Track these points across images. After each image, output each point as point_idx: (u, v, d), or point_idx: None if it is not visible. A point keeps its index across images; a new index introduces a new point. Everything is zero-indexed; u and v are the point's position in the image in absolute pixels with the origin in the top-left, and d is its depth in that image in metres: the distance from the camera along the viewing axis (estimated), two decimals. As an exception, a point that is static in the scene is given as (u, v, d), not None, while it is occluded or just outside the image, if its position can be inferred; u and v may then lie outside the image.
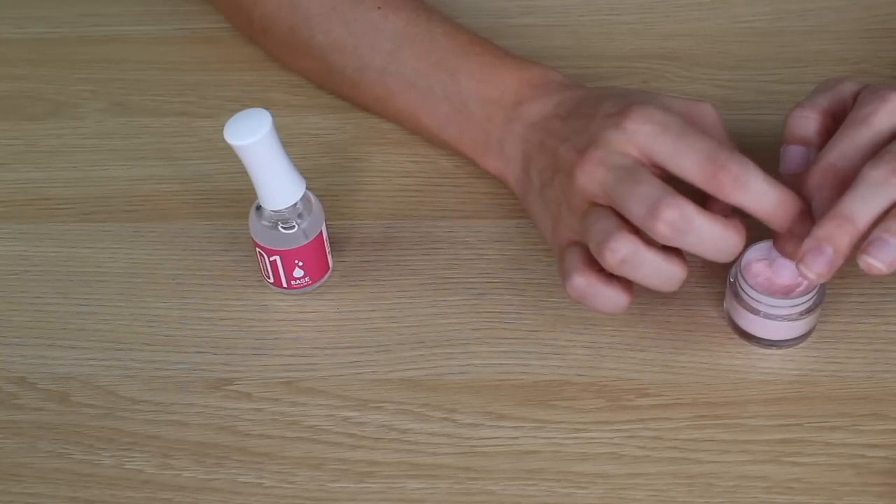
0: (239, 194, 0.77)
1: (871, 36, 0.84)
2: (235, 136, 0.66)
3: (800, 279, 0.67)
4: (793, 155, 0.68)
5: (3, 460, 0.68)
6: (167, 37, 0.88)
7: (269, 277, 0.72)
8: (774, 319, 0.67)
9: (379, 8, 0.77)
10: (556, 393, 0.68)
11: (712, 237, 0.62)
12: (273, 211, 0.69)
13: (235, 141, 0.66)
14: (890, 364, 0.68)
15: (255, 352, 0.71)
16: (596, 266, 0.65)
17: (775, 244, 0.66)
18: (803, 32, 0.85)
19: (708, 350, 0.69)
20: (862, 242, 0.62)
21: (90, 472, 0.67)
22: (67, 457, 0.67)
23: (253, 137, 0.65)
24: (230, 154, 0.67)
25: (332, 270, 0.74)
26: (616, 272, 0.63)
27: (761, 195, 0.62)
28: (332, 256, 0.73)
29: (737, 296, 0.68)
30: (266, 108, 0.66)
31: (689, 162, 0.62)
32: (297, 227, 0.70)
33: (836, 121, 0.67)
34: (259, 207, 0.70)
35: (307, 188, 0.70)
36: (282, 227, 0.70)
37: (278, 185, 0.68)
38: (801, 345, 0.69)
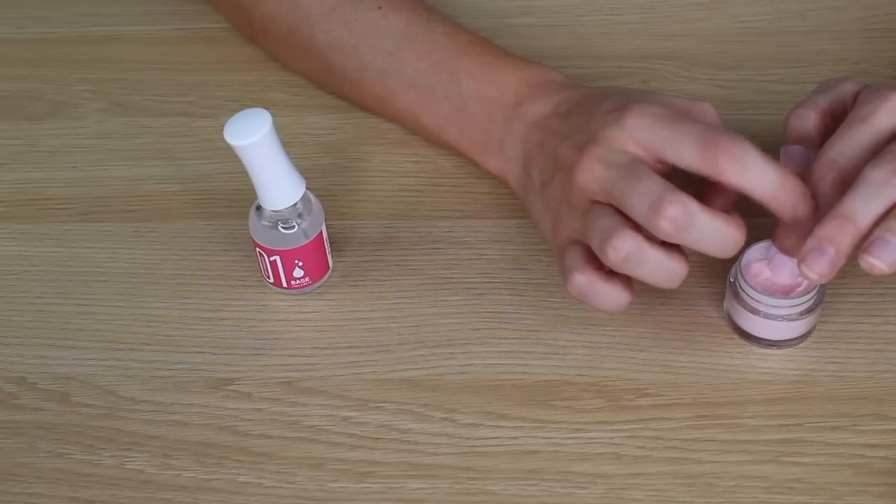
0: (239, 194, 0.77)
1: (871, 36, 0.84)
2: (235, 136, 0.66)
3: (800, 279, 0.67)
4: (793, 155, 0.68)
5: (3, 460, 0.68)
6: (167, 37, 0.88)
7: (269, 277, 0.72)
8: (774, 319, 0.67)
9: (379, 8, 0.77)
10: (556, 393, 0.68)
11: (714, 233, 0.62)
12: (273, 211, 0.69)
13: (235, 141, 0.66)
14: (890, 364, 0.68)
15: (255, 352, 0.71)
16: (596, 264, 0.65)
17: (774, 239, 0.66)
18: (803, 32, 0.85)
19: (708, 350, 0.69)
20: (863, 242, 0.62)
21: (90, 472, 0.67)
22: (67, 457, 0.67)
23: (253, 137, 0.65)
24: (230, 154, 0.67)
25: (332, 270, 0.74)
26: (619, 269, 0.63)
27: (762, 174, 0.61)
28: (332, 256, 0.73)
29: (737, 296, 0.68)
30: (266, 108, 0.66)
31: (686, 147, 0.62)
32: (297, 227, 0.70)
33: (835, 121, 0.67)
34: (259, 207, 0.70)
35: (307, 188, 0.70)
36: (282, 227, 0.70)
37: (278, 185, 0.68)
38: (801, 345, 0.69)
